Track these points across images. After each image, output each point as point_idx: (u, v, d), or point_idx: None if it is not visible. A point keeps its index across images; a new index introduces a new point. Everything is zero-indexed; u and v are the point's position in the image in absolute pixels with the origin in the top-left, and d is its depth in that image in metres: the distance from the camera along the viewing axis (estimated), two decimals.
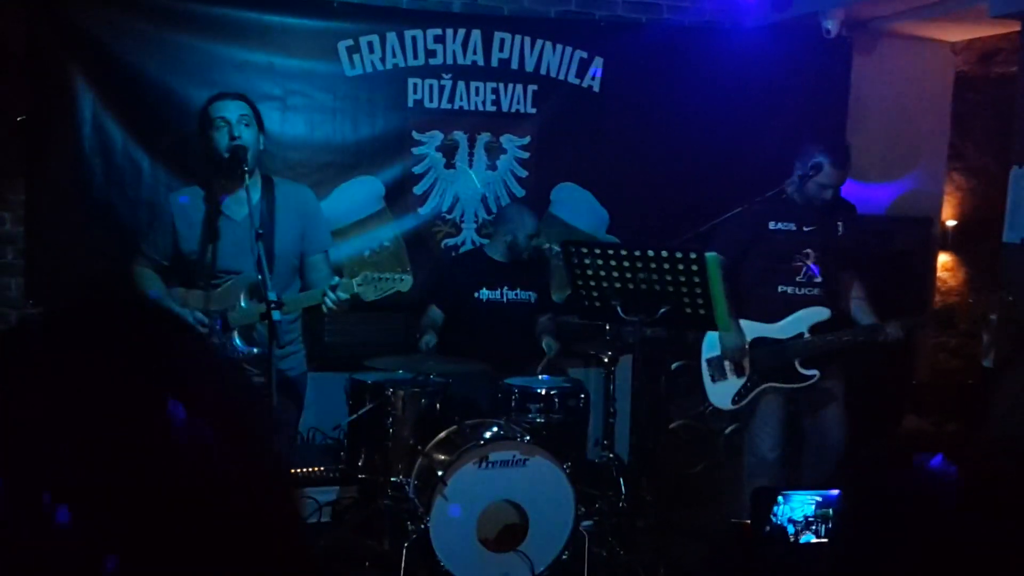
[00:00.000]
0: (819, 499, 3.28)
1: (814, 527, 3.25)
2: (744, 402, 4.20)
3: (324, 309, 3.41)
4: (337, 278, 3.48)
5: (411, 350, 4.46)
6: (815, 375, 4.10)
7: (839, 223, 4.16)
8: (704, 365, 4.26)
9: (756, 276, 4.18)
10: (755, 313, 4.17)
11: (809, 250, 4.11)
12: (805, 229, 4.11)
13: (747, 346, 4.15)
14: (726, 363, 4.20)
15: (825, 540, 3.21)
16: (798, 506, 3.26)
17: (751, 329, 4.17)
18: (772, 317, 4.15)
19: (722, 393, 4.24)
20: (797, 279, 4.12)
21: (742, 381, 4.19)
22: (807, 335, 4.09)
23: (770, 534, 3.22)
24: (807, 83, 5.26)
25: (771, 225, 4.13)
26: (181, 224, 3.55)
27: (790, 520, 3.24)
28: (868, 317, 4.19)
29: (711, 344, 4.24)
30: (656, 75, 5.11)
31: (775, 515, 3.24)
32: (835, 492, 3.24)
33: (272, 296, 3.12)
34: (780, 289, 4.14)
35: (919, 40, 5.52)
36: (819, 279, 4.12)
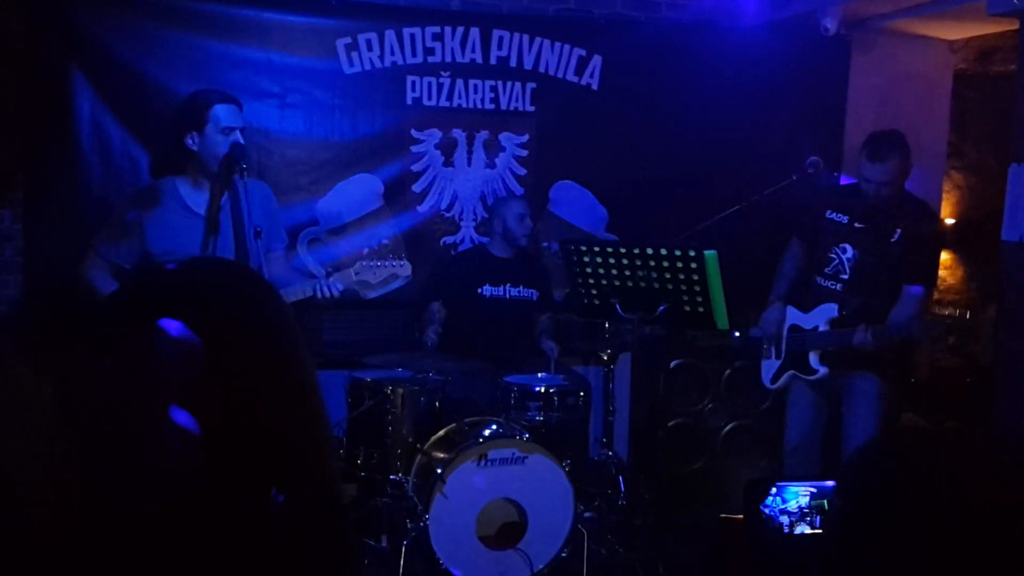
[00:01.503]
0: (814, 490, 3.28)
1: (809, 519, 3.25)
2: (777, 385, 4.24)
3: (319, 294, 3.40)
4: (323, 270, 3.49)
5: (411, 348, 4.46)
6: (821, 372, 4.04)
7: (899, 228, 3.95)
8: (764, 339, 4.30)
9: (801, 263, 4.21)
10: (796, 299, 4.18)
11: (847, 245, 4.03)
12: (856, 225, 4.01)
13: (784, 330, 4.16)
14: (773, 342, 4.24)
15: (820, 531, 3.21)
16: (791, 498, 3.26)
17: (791, 315, 4.18)
18: (806, 305, 4.14)
19: (767, 371, 4.28)
20: (826, 271, 4.09)
21: (778, 363, 4.22)
22: (822, 328, 4.05)
23: (762, 526, 3.23)
24: (805, 81, 5.26)
25: (828, 214, 4.10)
26: (151, 225, 3.48)
27: (783, 511, 3.24)
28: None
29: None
30: (655, 73, 5.11)
31: (767, 506, 3.24)
32: (830, 483, 3.24)
33: None
34: (814, 278, 4.14)
35: (917, 38, 5.51)
36: (846, 276, 4.03)
